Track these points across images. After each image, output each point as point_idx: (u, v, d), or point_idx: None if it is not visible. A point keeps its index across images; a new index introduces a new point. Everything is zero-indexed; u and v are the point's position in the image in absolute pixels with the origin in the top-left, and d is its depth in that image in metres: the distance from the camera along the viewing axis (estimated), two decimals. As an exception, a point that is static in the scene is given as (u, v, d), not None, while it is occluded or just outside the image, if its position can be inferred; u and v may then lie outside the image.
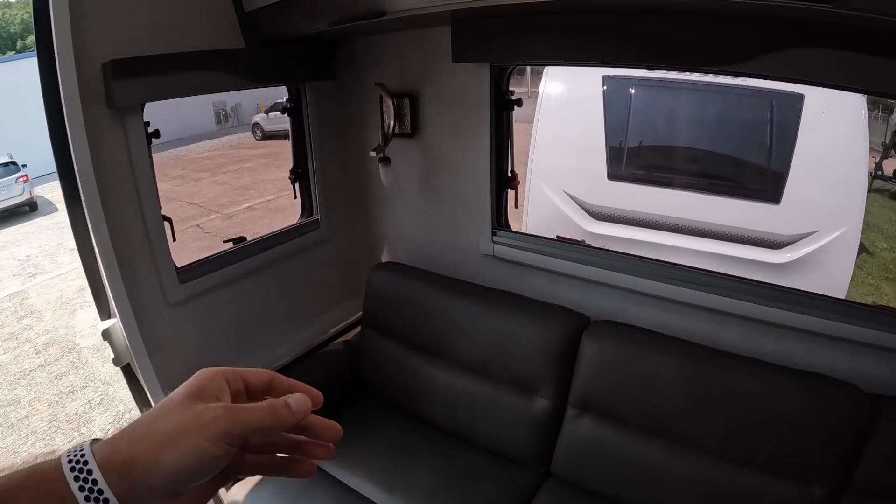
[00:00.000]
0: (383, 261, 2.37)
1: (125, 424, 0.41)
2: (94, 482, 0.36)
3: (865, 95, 3.26)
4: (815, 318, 1.49)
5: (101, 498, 0.36)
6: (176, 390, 0.42)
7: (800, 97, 3.24)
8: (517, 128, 2.01)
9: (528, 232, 3.49)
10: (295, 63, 1.96)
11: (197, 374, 0.44)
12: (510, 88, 1.93)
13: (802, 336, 1.55)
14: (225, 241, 2.01)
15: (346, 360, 2.16)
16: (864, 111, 3.24)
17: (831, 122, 3.25)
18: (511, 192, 2.00)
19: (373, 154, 1.97)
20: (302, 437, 0.47)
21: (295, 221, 2.25)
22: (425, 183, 2.13)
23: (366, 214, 2.35)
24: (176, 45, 1.57)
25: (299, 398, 0.44)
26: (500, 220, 2.03)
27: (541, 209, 3.57)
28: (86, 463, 0.37)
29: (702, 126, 3.46)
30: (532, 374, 1.73)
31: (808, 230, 3.26)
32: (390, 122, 1.96)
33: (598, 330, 1.67)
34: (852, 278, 3.23)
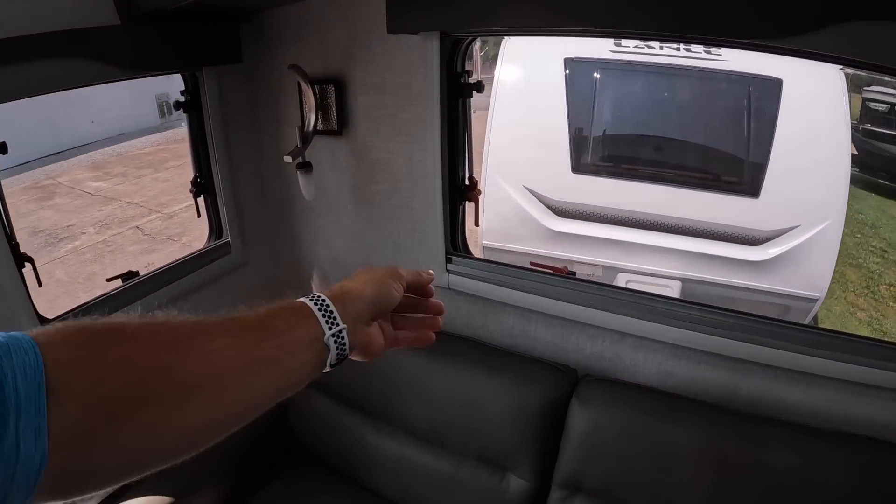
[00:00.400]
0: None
1: None
2: (325, 303, 0.50)
3: (844, 79, 3.03)
4: (852, 366, 1.18)
5: (329, 311, 0.50)
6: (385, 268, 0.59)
7: (778, 83, 2.96)
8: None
9: (486, 236, 3.30)
10: (188, 44, 1.46)
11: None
12: (466, 69, 1.50)
13: (836, 384, 1.23)
14: (109, 280, 1.52)
15: (274, 415, 1.69)
16: (845, 97, 2.98)
17: (812, 109, 2.98)
18: (476, 206, 1.59)
19: (288, 159, 1.50)
20: (421, 315, 0.62)
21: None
22: (359, 194, 1.69)
23: (289, 234, 1.87)
24: (19, 26, 1.07)
25: (428, 272, 0.63)
26: (455, 243, 1.60)
27: (498, 206, 3.18)
28: (318, 295, 0.51)
29: (674, 113, 3.14)
30: (505, 448, 1.34)
31: (789, 225, 3.00)
32: (311, 116, 1.50)
33: (591, 391, 1.28)
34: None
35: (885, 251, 4.33)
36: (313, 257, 1.87)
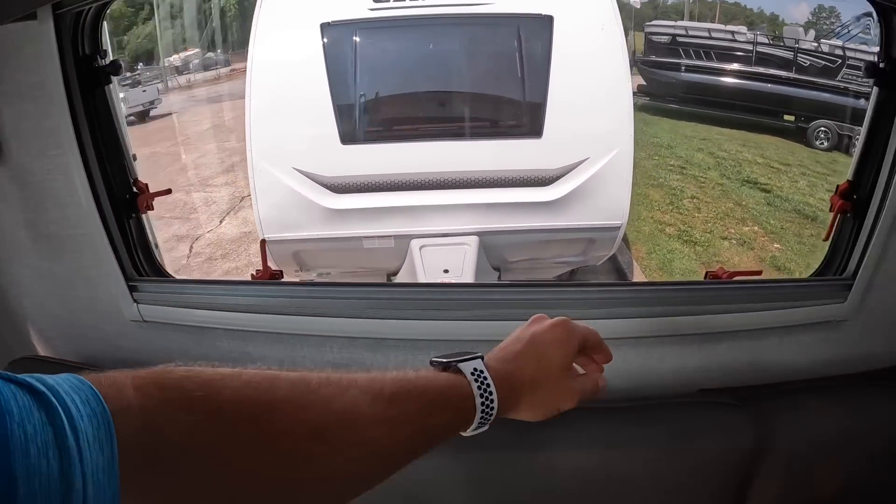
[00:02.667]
0: (21, 356, 1.44)
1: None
2: (491, 405, 0.45)
3: (617, 9, 2.98)
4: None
5: (490, 411, 0.45)
6: (563, 345, 0.52)
7: (549, 19, 2.85)
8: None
9: (266, 230, 2.89)
10: None
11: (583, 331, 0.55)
12: (102, 48, 1.12)
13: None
14: None
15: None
16: (619, 27, 2.95)
17: (586, 42, 2.91)
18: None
19: None
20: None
21: None
22: (35, 227, 1.26)
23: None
24: None
25: (604, 384, 0.56)
26: (138, 265, 1.23)
27: (272, 195, 2.84)
28: (489, 390, 0.45)
29: (444, 65, 2.96)
30: None
31: (577, 159, 2.92)
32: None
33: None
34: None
35: (683, 168, 4.55)
36: (14, 308, 1.42)
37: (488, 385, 0.45)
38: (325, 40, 2.84)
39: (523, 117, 2.90)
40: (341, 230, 2.86)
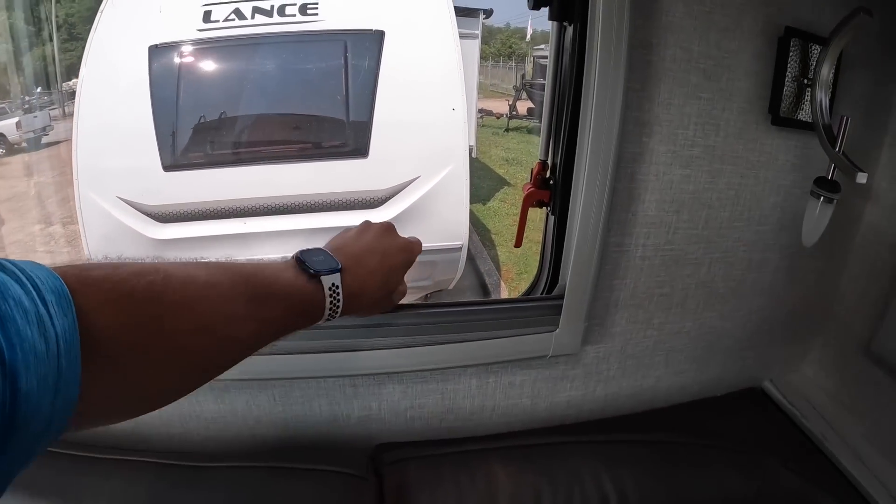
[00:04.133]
0: (334, 283, 1.43)
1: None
2: (337, 303, 0.52)
3: (455, 23, 2.93)
4: None
5: (337, 307, 0.52)
6: (405, 268, 0.62)
7: (380, 35, 2.81)
8: None
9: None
10: None
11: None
12: None
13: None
14: None
15: None
16: (455, 42, 2.89)
17: (420, 58, 2.86)
18: None
19: None
20: None
21: None
22: None
23: None
24: None
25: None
26: None
27: (100, 227, 2.81)
28: (336, 291, 0.51)
29: (271, 86, 2.93)
30: None
31: (407, 179, 2.88)
32: None
33: None
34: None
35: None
36: None
37: (339, 302, 0.52)
38: (153, 63, 2.83)
39: (348, 137, 2.85)
40: (169, 262, 2.80)
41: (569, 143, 0.70)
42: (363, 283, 0.56)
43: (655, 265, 0.77)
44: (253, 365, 0.47)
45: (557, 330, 0.73)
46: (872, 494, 0.74)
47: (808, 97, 0.74)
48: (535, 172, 0.81)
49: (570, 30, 0.70)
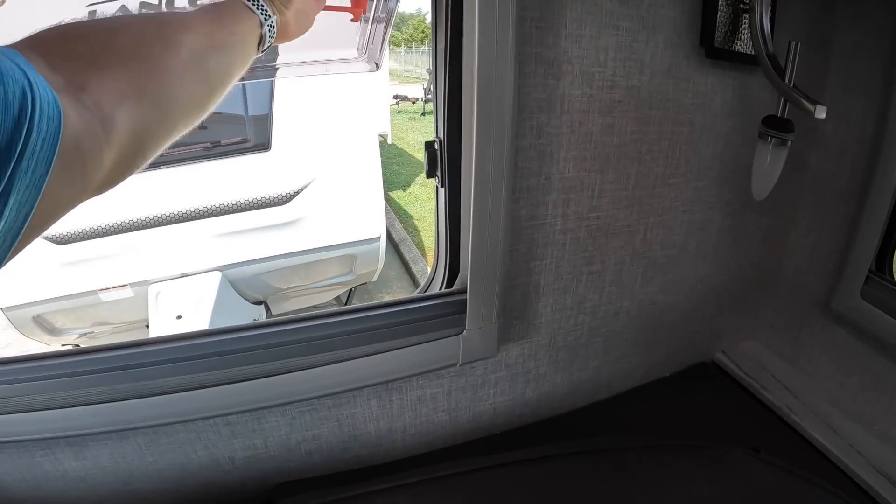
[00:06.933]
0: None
1: None
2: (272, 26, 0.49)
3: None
4: None
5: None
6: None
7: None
8: None
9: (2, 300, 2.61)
10: None
11: None
12: None
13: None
14: None
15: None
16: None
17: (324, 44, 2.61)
18: None
19: None
20: None
21: None
22: None
23: None
24: None
25: None
26: None
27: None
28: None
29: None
30: None
31: (315, 172, 2.67)
32: None
33: None
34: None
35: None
36: None
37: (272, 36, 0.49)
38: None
39: (248, 131, 2.60)
40: (76, 286, 2.50)
41: (451, 95, 0.54)
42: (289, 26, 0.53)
43: (580, 238, 0.64)
44: (107, 415, 0.42)
45: (465, 332, 0.58)
46: (854, 468, 0.65)
47: (745, 23, 0.61)
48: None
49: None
